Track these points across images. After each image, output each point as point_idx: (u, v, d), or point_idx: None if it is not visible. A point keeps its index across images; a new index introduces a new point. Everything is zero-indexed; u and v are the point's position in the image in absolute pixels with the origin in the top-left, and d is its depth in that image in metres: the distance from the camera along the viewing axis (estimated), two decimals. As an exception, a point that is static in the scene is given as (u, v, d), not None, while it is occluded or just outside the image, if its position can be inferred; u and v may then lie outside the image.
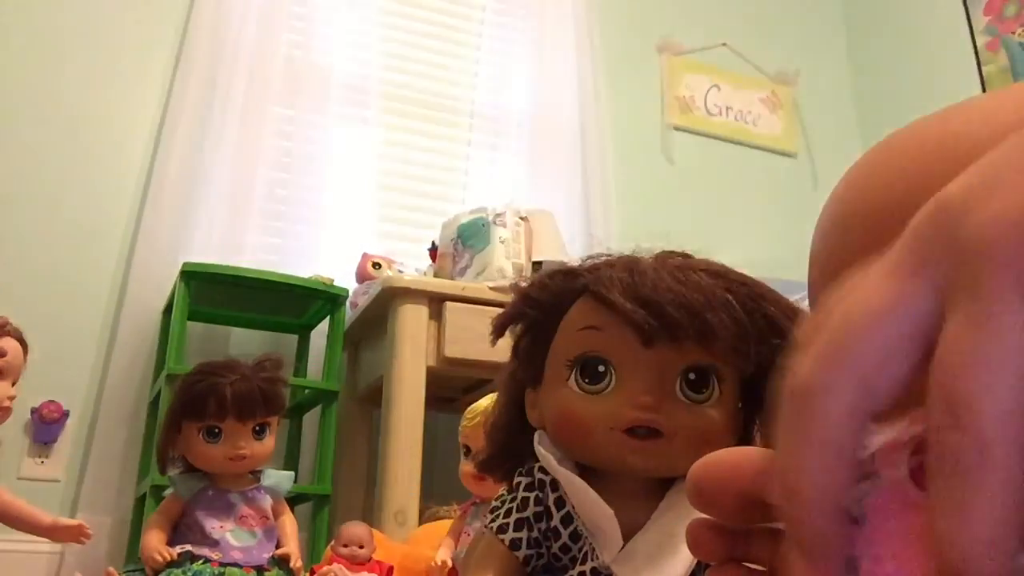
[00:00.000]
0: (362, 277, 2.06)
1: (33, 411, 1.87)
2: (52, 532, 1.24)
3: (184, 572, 1.12)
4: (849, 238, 0.29)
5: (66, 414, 1.90)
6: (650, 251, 0.66)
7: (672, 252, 0.66)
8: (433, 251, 2.08)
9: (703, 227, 2.50)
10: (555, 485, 0.63)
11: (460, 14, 2.61)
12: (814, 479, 0.19)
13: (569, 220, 2.33)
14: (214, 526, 1.18)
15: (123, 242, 2.06)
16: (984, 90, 2.48)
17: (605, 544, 0.60)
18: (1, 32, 2.09)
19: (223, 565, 1.15)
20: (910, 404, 0.19)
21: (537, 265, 1.84)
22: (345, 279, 2.04)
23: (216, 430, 1.19)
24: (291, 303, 1.96)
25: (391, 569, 1.29)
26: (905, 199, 0.23)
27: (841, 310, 0.19)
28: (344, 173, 2.29)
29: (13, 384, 1.21)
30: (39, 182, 2.03)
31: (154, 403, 1.84)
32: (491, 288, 1.72)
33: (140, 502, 1.77)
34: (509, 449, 0.70)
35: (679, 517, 0.60)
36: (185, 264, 1.79)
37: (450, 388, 1.91)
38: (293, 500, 1.54)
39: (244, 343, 2.05)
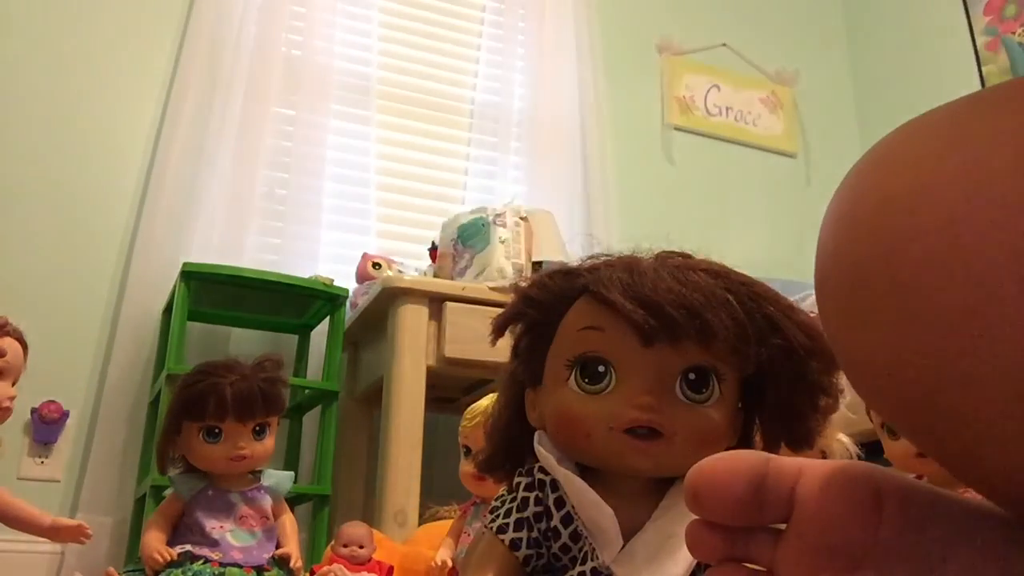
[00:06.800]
0: (362, 277, 2.06)
1: (33, 411, 1.87)
2: (52, 532, 1.24)
3: (184, 572, 1.12)
4: (858, 231, 0.29)
5: (66, 414, 1.90)
6: (650, 251, 0.66)
7: (672, 252, 0.66)
8: (433, 251, 2.08)
9: (703, 227, 2.50)
10: (555, 485, 0.63)
11: (460, 14, 2.61)
12: None
13: (569, 220, 2.33)
14: (214, 526, 1.18)
15: (123, 242, 2.06)
16: (984, 90, 2.47)
17: (605, 544, 0.60)
18: (1, 32, 2.09)
19: (223, 565, 1.15)
20: None
21: (537, 265, 1.84)
22: (345, 279, 2.04)
23: (216, 430, 1.19)
24: (291, 303, 1.96)
25: (391, 569, 1.29)
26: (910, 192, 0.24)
27: None
28: (344, 173, 2.29)
29: (13, 384, 1.20)
30: (39, 182, 2.03)
31: (154, 403, 1.84)
32: (491, 288, 1.72)
33: (140, 502, 1.77)
34: (509, 449, 0.69)
35: (679, 517, 0.60)
36: (185, 264, 1.79)
37: (450, 388, 1.91)
38: (293, 500, 1.54)
39: (244, 343, 2.05)
